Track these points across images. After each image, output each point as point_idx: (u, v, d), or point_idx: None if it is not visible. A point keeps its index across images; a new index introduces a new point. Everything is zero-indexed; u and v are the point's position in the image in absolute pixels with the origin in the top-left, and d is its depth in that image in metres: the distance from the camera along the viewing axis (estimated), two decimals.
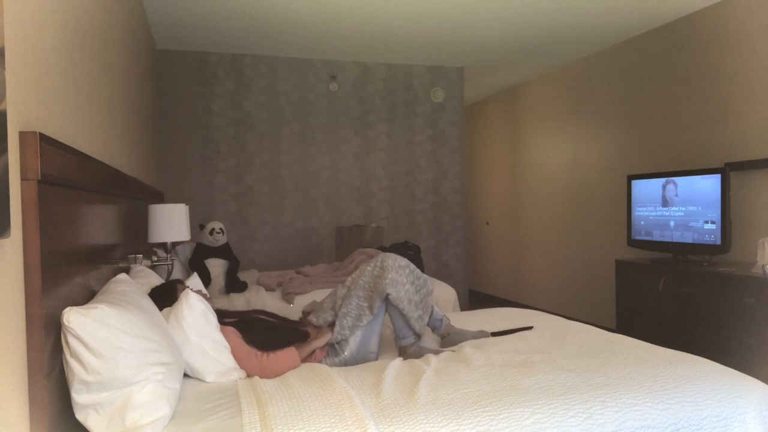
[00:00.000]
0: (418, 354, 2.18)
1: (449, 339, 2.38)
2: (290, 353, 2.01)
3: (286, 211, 5.34)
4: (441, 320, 2.41)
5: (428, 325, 2.40)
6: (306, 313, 2.46)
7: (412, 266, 2.33)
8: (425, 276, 2.39)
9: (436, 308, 2.43)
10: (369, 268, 2.30)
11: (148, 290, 2.12)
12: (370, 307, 2.22)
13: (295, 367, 1.98)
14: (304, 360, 2.09)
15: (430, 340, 2.45)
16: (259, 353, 1.96)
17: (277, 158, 5.31)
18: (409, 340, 2.24)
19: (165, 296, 2.03)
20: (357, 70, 5.55)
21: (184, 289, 2.10)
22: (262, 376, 1.89)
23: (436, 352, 2.16)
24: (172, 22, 4.28)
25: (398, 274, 2.24)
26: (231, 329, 1.99)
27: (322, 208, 5.45)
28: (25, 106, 1.24)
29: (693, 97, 4.22)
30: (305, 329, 2.26)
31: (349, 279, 2.37)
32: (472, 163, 7.74)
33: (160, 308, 1.90)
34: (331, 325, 2.25)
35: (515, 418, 1.50)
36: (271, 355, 1.97)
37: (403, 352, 2.22)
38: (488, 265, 7.43)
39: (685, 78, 4.28)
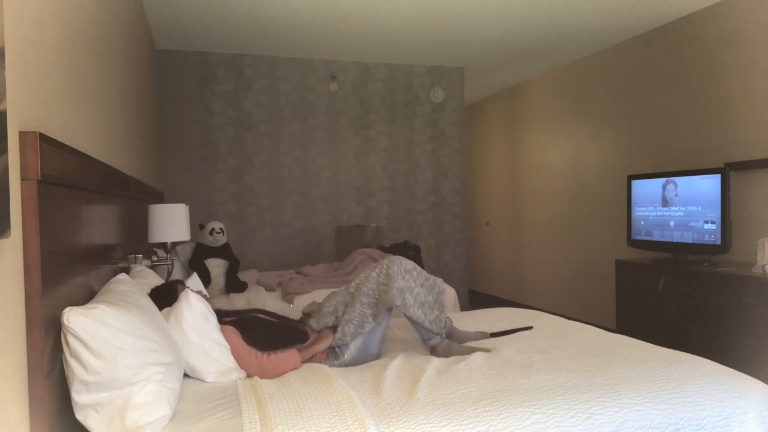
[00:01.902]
0: (448, 353, 2.15)
1: (452, 340, 2.37)
2: (291, 355, 2.00)
3: (286, 211, 5.34)
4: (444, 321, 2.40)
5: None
6: (306, 315, 2.45)
7: (419, 268, 2.27)
8: (434, 277, 2.35)
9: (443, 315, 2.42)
10: (374, 274, 2.24)
11: (149, 290, 2.12)
12: (374, 315, 2.16)
13: (295, 368, 1.97)
14: (305, 362, 2.09)
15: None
16: (259, 354, 1.95)
17: (277, 158, 5.31)
18: (436, 339, 2.20)
19: (165, 296, 2.03)
20: (357, 70, 5.55)
21: (184, 290, 2.10)
22: (262, 377, 1.89)
23: (467, 351, 2.14)
24: (172, 22, 4.28)
25: (405, 281, 2.18)
26: (230, 329, 1.99)
27: (322, 208, 5.45)
28: (25, 106, 1.24)
29: (693, 97, 4.22)
30: (305, 328, 2.26)
31: (353, 285, 2.30)
32: (472, 163, 7.75)
33: (160, 308, 1.90)
34: (332, 329, 2.24)
35: (515, 418, 1.50)
36: (272, 355, 1.96)
37: (433, 351, 2.20)
38: (488, 265, 7.43)
39: (685, 78, 4.28)
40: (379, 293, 2.18)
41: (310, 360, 2.11)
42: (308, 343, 2.15)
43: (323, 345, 2.14)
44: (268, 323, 2.18)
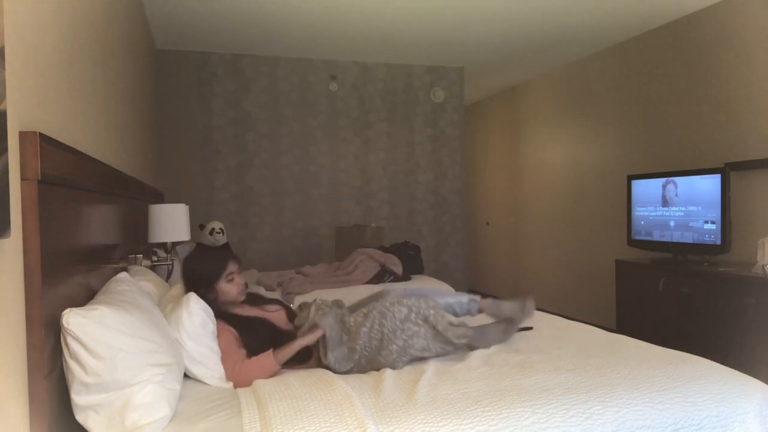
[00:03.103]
0: (484, 342, 2.07)
1: (493, 312, 2.33)
2: (264, 360, 1.88)
3: (286, 211, 5.34)
4: (468, 307, 2.34)
5: (466, 313, 2.34)
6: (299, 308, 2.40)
7: (415, 306, 2.03)
8: (435, 303, 2.12)
9: (464, 298, 2.35)
10: (365, 328, 1.99)
11: (153, 288, 2.10)
12: (371, 363, 1.98)
13: (272, 374, 1.86)
14: (299, 364, 1.99)
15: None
16: (239, 362, 1.87)
17: (277, 158, 5.31)
18: (462, 342, 2.04)
19: (205, 276, 2.04)
20: (357, 70, 5.55)
21: (231, 273, 2.08)
22: (236, 384, 1.81)
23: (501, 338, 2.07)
24: (172, 22, 4.28)
25: (404, 332, 1.96)
26: (228, 329, 1.95)
27: (322, 208, 5.45)
28: (25, 106, 1.24)
29: (693, 97, 4.22)
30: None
31: (351, 320, 2.05)
32: (472, 163, 7.74)
33: (194, 276, 1.98)
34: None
35: (515, 418, 1.50)
36: (246, 362, 1.87)
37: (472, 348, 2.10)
38: (488, 265, 7.43)
39: (685, 78, 4.28)
40: (375, 351, 1.97)
41: (311, 363, 2.04)
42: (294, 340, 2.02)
43: (310, 339, 1.99)
44: (274, 333, 2.06)
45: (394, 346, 1.94)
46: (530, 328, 2.51)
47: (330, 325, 2.04)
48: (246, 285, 2.21)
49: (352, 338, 2.00)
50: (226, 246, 3.79)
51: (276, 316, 2.23)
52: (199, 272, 2.07)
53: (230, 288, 2.10)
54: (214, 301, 2.05)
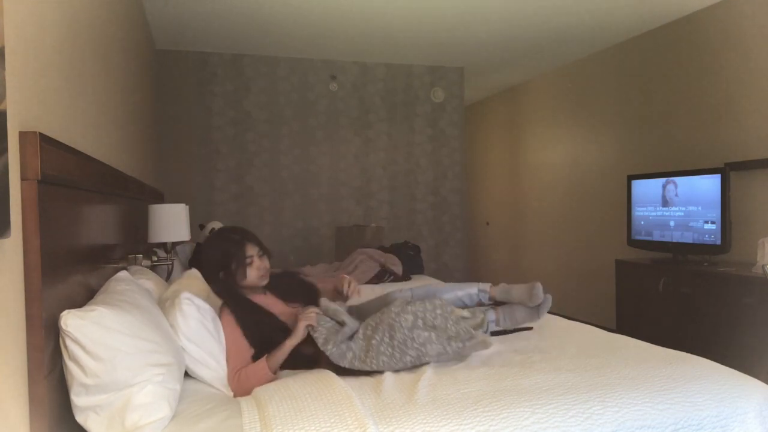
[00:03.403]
0: (513, 321, 2.05)
1: (504, 298, 2.30)
2: (258, 370, 1.84)
3: (286, 211, 5.34)
4: (478, 297, 2.31)
5: (477, 304, 2.32)
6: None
7: (419, 310, 1.93)
8: (441, 301, 2.03)
9: (473, 289, 2.32)
10: (374, 341, 1.88)
11: (152, 287, 2.09)
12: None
13: (269, 381, 1.80)
14: (297, 363, 1.95)
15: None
16: (242, 369, 1.84)
17: (277, 158, 5.31)
18: (481, 331, 1.98)
19: (225, 250, 2.00)
20: (357, 70, 5.54)
21: (250, 257, 2.00)
22: (235, 393, 1.79)
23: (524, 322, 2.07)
24: (172, 22, 4.28)
25: (415, 341, 1.86)
26: (234, 323, 1.91)
27: (322, 208, 5.45)
28: (25, 106, 1.24)
29: (693, 97, 4.22)
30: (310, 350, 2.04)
31: (361, 332, 1.94)
32: (472, 163, 7.74)
33: (213, 261, 1.98)
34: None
35: (515, 418, 1.50)
36: (243, 371, 1.84)
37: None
38: (488, 265, 7.43)
39: (685, 78, 4.28)
40: (386, 366, 1.86)
41: (320, 365, 1.96)
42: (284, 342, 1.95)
43: (296, 339, 1.91)
44: (277, 333, 1.98)
45: (408, 358, 1.85)
46: (530, 328, 2.51)
47: (345, 322, 1.98)
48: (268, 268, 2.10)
49: (363, 351, 1.89)
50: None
51: (293, 312, 2.12)
52: (217, 256, 2.01)
53: (249, 272, 2.02)
54: (234, 286, 2.02)
